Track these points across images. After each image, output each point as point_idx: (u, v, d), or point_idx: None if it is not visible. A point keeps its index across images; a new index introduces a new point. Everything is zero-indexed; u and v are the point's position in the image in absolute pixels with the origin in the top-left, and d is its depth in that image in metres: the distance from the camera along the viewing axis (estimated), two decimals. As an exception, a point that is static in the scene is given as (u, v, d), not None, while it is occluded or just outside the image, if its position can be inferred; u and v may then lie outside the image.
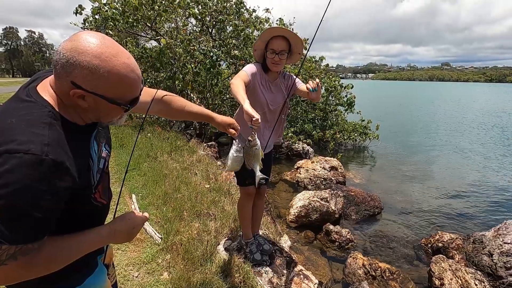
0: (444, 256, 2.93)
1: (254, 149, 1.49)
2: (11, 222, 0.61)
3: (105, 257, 1.00)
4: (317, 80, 1.82)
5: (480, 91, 65.47)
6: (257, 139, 1.49)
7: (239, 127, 1.34)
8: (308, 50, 2.25)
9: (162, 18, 6.70)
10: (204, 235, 2.59)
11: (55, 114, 0.70)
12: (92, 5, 6.58)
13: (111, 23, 6.56)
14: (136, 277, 2.25)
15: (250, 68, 1.90)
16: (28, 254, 0.65)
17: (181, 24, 8.08)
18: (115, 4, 6.71)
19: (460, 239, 3.36)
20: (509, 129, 12.97)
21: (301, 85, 2.09)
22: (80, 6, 6.37)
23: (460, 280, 2.59)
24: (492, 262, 2.93)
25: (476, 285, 2.61)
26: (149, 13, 6.45)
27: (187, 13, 6.88)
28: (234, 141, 1.52)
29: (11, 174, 0.59)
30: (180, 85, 6.70)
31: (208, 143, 6.51)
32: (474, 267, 2.94)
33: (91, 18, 6.97)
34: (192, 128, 8.57)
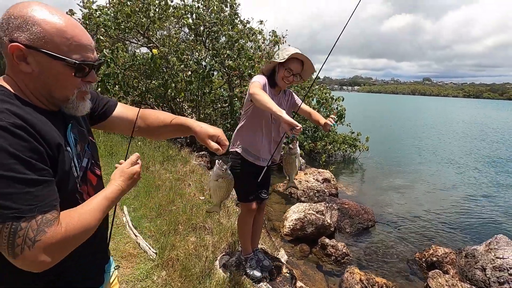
0: (440, 271, 2.96)
1: (293, 157, 1.53)
2: (7, 194, 0.56)
3: None
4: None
5: (460, 106, 68.39)
6: (298, 148, 1.52)
7: (226, 142, 1.02)
8: (321, 66, 2.38)
9: (156, 25, 6.65)
10: (201, 250, 2.50)
11: (8, 93, 0.66)
12: (82, 10, 6.47)
13: (103, 29, 6.45)
14: (130, 296, 2.13)
15: (262, 79, 1.91)
16: (52, 224, 0.61)
17: (174, 32, 8.07)
18: (107, 10, 6.62)
19: (453, 253, 3.40)
20: (494, 143, 13.53)
21: (304, 106, 2.19)
22: (70, 10, 6.23)
23: (457, 295, 2.61)
24: (485, 277, 2.97)
25: (472, 300, 2.63)
26: (143, 20, 6.39)
27: (180, 22, 6.87)
28: (217, 161, 1.14)
29: None
30: (172, 93, 6.62)
31: (200, 153, 6.42)
32: (469, 282, 2.97)
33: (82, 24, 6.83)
34: (182, 137, 8.44)
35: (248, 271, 2.30)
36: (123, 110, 1.04)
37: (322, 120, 2.07)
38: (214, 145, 0.99)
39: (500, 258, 2.98)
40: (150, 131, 1.07)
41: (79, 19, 6.92)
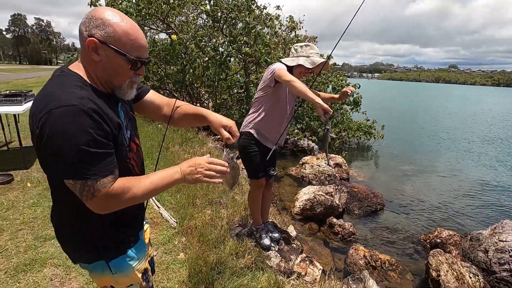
0: (442, 250, 3.10)
1: (329, 135, 1.85)
2: (81, 162, 0.78)
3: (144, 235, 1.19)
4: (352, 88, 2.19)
5: (487, 94, 64.88)
6: (330, 128, 1.92)
7: (237, 134, 1.12)
8: (332, 52, 2.50)
9: (175, 11, 6.82)
10: (217, 221, 2.77)
11: (84, 81, 0.88)
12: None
13: (125, 16, 6.70)
14: (155, 255, 2.44)
15: (284, 68, 2.08)
16: (106, 186, 0.83)
17: (192, 19, 8.22)
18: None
19: (458, 236, 3.51)
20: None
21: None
22: (95, -2, 6.51)
23: (456, 272, 2.75)
24: (487, 258, 3.08)
25: (470, 278, 2.77)
26: (163, 7, 6.58)
27: (199, 9, 7.00)
28: (225, 150, 1.14)
29: (63, 123, 0.76)
30: (190, 79, 6.85)
31: (216, 137, 6.69)
32: (470, 262, 3.10)
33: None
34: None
35: (258, 240, 2.55)
36: (153, 96, 1.24)
37: (331, 96, 2.28)
38: (226, 134, 1.10)
39: (503, 241, 3.07)
40: (174, 119, 1.24)
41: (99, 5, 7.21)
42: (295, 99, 2.39)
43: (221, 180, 0.97)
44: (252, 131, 2.26)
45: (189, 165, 0.96)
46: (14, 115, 4.22)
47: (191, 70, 6.87)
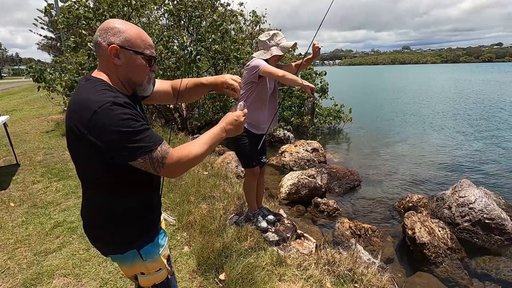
0: (414, 212, 3.52)
1: (315, 106, 2.21)
2: (138, 139, 0.91)
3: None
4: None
5: (438, 72, 70.13)
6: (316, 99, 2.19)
7: (236, 90, 1.25)
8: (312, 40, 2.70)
9: (138, 13, 6.69)
10: (215, 213, 2.93)
11: (110, 85, 1.01)
12: (51, 3, 6.41)
13: (84, 22, 6.45)
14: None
15: (267, 64, 2.27)
16: (168, 151, 0.95)
17: (153, 19, 8.08)
18: (85, 2, 6.58)
19: (426, 198, 4.00)
20: (469, 104, 14.40)
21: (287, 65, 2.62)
22: (50, 5, 6.19)
23: (427, 228, 3.17)
24: (451, 213, 3.57)
25: (439, 231, 3.21)
26: (125, 9, 6.43)
27: (162, 9, 6.93)
28: (238, 104, 1.23)
29: (111, 116, 0.89)
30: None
31: (194, 136, 6.75)
32: (438, 219, 3.56)
33: (61, 18, 6.78)
34: (173, 123, 8.68)
35: (256, 223, 2.75)
36: (159, 84, 1.35)
37: (307, 59, 2.49)
38: (230, 93, 1.26)
39: (462, 197, 3.57)
40: (181, 96, 1.36)
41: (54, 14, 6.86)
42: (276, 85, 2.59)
43: None
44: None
45: (228, 122, 1.13)
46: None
47: (160, 72, 6.82)
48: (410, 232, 3.19)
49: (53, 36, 24.58)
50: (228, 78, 1.26)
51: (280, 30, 10.14)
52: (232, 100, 7.22)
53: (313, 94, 2.20)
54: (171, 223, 2.94)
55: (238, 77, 1.26)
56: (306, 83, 2.16)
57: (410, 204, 3.94)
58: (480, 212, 3.36)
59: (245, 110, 1.19)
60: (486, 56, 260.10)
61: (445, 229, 3.28)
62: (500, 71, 58.75)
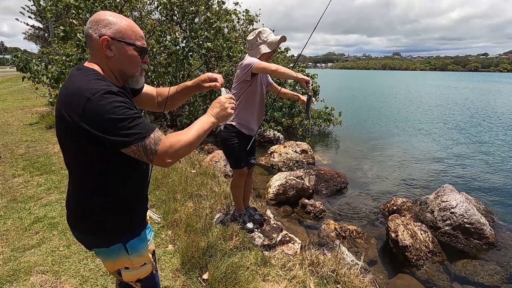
0: (398, 215, 3.59)
1: (311, 101, 2.30)
2: (131, 126, 0.90)
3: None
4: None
5: (427, 79, 71.81)
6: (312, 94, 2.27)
7: (217, 80, 1.28)
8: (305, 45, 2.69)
9: (130, 5, 6.57)
10: (201, 211, 2.91)
11: (102, 75, 1.00)
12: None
13: (74, 11, 6.29)
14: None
15: (260, 61, 2.26)
16: (161, 139, 0.94)
17: (145, 13, 7.96)
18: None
19: (410, 202, 4.08)
20: (456, 111, 14.79)
21: (274, 83, 2.65)
22: (37, -6, 6.01)
23: (410, 231, 3.24)
24: (433, 217, 3.65)
25: (421, 234, 3.28)
26: (117, 1, 6.30)
27: (156, 2, 6.83)
28: (222, 89, 1.27)
29: (105, 103, 0.88)
30: (152, 76, 6.70)
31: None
32: (420, 222, 3.64)
33: (49, 6, 6.59)
34: (163, 120, 8.58)
35: (242, 224, 2.75)
36: (145, 88, 1.36)
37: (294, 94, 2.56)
38: (212, 84, 1.28)
39: (445, 201, 3.66)
40: (169, 104, 1.38)
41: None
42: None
43: None
44: (234, 123, 2.41)
45: (215, 107, 1.14)
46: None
47: (152, 68, 6.72)
48: (393, 234, 3.25)
49: (41, 26, 23.90)
50: (208, 73, 1.32)
51: (274, 30, 10.18)
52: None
53: (309, 87, 2.17)
54: (156, 221, 2.90)
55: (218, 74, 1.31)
56: (300, 75, 2.14)
57: (395, 207, 4.02)
58: (461, 216, 3.46)
59: (229, 94, 1.21)
60: (473, 66, 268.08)
61: (427, 232, 3.36)
62: (485, 81, 60.64)
